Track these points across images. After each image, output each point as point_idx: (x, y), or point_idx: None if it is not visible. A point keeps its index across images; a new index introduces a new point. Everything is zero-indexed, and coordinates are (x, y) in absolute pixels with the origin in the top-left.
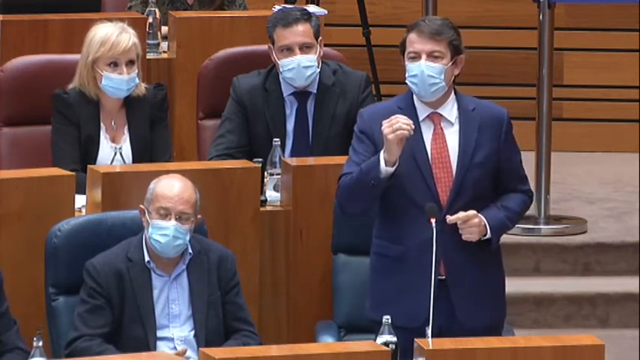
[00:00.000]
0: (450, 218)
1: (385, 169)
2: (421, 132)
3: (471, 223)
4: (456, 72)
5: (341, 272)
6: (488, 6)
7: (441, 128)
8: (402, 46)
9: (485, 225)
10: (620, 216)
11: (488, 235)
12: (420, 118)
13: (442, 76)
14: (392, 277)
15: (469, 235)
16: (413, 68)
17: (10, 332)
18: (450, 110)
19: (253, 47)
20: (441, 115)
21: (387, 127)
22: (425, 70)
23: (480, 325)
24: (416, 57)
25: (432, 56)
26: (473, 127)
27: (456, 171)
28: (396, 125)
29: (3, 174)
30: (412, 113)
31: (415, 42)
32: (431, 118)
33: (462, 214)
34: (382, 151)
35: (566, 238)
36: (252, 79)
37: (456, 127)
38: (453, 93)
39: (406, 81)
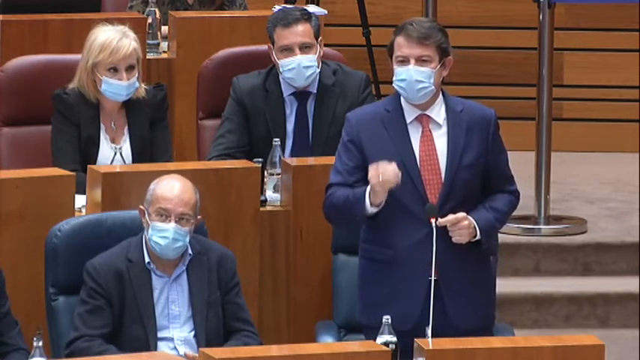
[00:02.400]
0: (439, 221)
1: (370, 209)
2: (409, 134)
3: (461, 225)
4: (444, 74)
5: (341, 272)
6: (489, 6)
7: (429, 130)
8: (390, 49)
9: (474, 227)
10: (620, 216)
11: (478, 237)
12: (408, 121)
13: (431, 80)
14: (382, 280)
15: (459, 237)
16: (401, 72)
17: (13, 332)
18: (438, 112)
19: (253, 47)
20: (429, 117)
21: (374, 176)
22: (413, 75)
23: (472, 325)
24: (404, 61)
25: (420, 60)
26: (461, 129)
27: (445, 173)
28: (384, 177)
29: (3, 174)
30: (400, 115)
31: (403, 46)
32: (419, 120)
33: (451, 216)
34: (368, 192)
35: (566, 238)
36: (252, 79)
37: (444, 129)
38: (440, 94)
39: (394, 84)
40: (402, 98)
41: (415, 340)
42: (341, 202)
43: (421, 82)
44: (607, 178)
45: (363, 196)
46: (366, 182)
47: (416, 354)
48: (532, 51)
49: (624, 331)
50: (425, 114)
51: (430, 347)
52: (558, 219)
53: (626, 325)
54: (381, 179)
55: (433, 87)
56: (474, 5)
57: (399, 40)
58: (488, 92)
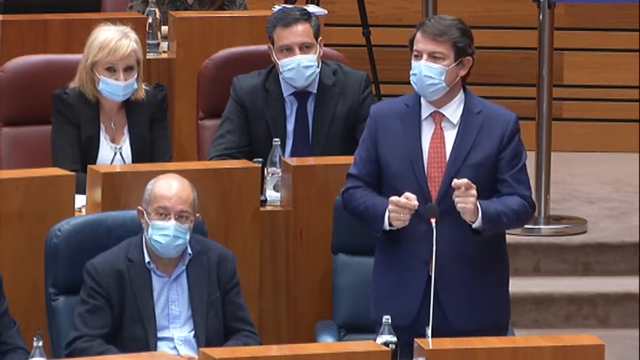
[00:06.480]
0: (457, 182)
1: (388, 227)
2: (421, 131)
3: (473, 192)
4: (462, 73)
5: (341, 272)
6: (488, 6)
7: (441, 128)
8: (411, 43)
9: (478, 208)
10: (620, 216)
11: (478, 222)
12: (423, 117)
13: (442, 77)
14: (386, 275)
15: (464, 204)
16: (414, 67)
17: (11, 332)
18: (454, 111)
19: (253, 47)
20: (443, 115)
21: (393, 210)
22: (423, 71)
23: (472, 326)
24: (418, 56)
25: (432, 57)
26: (473, 129)
27: (447, 170)
28: (404, 217)
29: (3, 174)
30: (416, 111)
31: (419, 41)
32: (433, 117)
33: (466, 180)
34: (387, 213)
35: (566, 238)
36: (253, 79)
37: (457, 128)
38: (461, 94)
39: (409, 78)
40: None
41: (415, 340)
42: (361, 210)
43: (430, 78)
44: (607, 178)
45: (383, 215)
46: (378, 175)
47: (416, 354)
48: (532, 51)
49: (624, 331)
50: (439, 111)
51: (430, 347)
52: (558, 219)
53: (626, 325)
54: (402, 218)
55: (444, 84)
56: (474, 5)
57: (417, 35)
58: (488, 92)
